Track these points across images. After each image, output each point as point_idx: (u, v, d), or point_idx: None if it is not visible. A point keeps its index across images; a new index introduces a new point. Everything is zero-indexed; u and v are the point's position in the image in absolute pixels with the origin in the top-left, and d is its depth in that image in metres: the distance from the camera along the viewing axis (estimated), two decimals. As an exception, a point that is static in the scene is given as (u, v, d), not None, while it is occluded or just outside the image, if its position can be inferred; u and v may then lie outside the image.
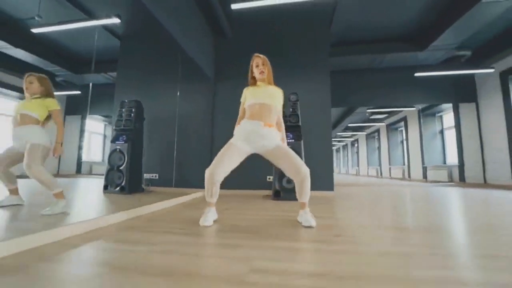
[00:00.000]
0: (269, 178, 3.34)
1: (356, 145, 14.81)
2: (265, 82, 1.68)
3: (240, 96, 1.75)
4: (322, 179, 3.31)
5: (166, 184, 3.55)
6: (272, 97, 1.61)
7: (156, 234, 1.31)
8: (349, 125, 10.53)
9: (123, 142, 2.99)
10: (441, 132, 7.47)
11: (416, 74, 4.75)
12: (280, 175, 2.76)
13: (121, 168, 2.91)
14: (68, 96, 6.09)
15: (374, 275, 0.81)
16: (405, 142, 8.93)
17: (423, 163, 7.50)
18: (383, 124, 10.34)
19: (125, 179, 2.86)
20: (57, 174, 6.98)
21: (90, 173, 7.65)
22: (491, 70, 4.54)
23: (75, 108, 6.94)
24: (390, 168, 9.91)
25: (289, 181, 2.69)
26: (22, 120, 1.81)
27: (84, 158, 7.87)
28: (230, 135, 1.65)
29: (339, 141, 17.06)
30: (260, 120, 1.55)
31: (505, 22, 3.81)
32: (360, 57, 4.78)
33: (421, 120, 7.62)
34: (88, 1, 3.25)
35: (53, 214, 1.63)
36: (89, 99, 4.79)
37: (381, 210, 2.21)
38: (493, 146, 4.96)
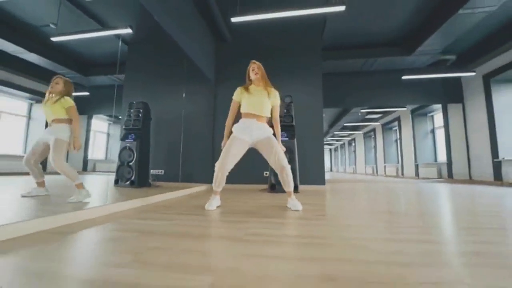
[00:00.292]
0: (266, 174, 3.63)
1: (353, 144, 15.14)
2: (260, 85, 1.92)
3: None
4: (314, 174, 3.61)
5: (171, 179, 3.84)
6: (263, 108, 1.86)
7: (171, 215, 1.60)
8: (346, 124, 10.85)
9: (132, 140, 3.27)
10: (432, 131, 7.78)
11: (403, 77, 5.05)
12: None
13: (130, 164, 3.19)
14: (76, 97, 6.38)
15: (334, 236, 1.11)
16: (398, 141, 9.25)
17: (415, 161, 7.82)
18: (378, 123, 10.65)
19: (134, 174, 3.15)
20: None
21: (94, 170, 7.96)
22: (473, 74, 4.85)
23: (81, 108, 7.23)
24: (385, 166, 10.24)
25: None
26: (56, 122, 2.10)
27: (89, 156, 8.19)
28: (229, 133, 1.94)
29: (337, 140, 17.40)
30: (253, 118, 1.86)
31: (485, 29, 4.12)
32: (352, 61, 5.08)
33: (413, 120, 7.93)
34: (99, 10, 3.52)
35: (78, 202, 1.91)
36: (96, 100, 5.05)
37: (363, 200, 2.51)
38: (477, 145, 5.28)
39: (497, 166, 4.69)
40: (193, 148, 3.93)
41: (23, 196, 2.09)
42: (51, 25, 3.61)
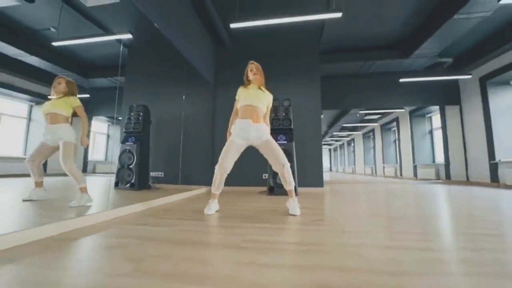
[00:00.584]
0: (265, 176, 3.65)
1: (352, 144, 15.19)
2: (256, 85, 1.99)
3: None
4: (312, 176, 3.65)
5: (170, 181, 3.87)
6: (259, 100, 1.92)
7: (170, 219, 1.63)
8: (345, 125, 10.90)
9: (132, 143, 3.30)
10: (430, 132, 7.83)
11: (401, 80, 5.09)
12: (274, 172, 3.08)
13: (130, 166, 3.22)
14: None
15: (332, 243, 1.13)
16: (397, 142, 9.30)
17: (413, 161, 7.86)
18: (377, 124, 10.70)
19: (134, 177, 3.17)
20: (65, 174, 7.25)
21: (94, 171, 8.01)
22: (469, 76, 4.90)
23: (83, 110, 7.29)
24: (384, 167, 10.29)
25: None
26: (53, 118, 2.10)
27: (89, 157, 8.24)
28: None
29: (336, 141, 17.45)
30: (249, 118, 1.89)
31: (480, 33, 4.17)
32: (350, 64, 5.12)
33: (412, 121, 7.98)
34: (100, 15, 3.54)
35: (79, 206, 1.94)
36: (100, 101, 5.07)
37: (362, 203, 2.54)
38: (474, 147, 5.32)
39: (493, 168, 4.73)
40: (193, 150, 3.96)
41: (24, 201, 2.11)
42: (52, 29, 3.63)
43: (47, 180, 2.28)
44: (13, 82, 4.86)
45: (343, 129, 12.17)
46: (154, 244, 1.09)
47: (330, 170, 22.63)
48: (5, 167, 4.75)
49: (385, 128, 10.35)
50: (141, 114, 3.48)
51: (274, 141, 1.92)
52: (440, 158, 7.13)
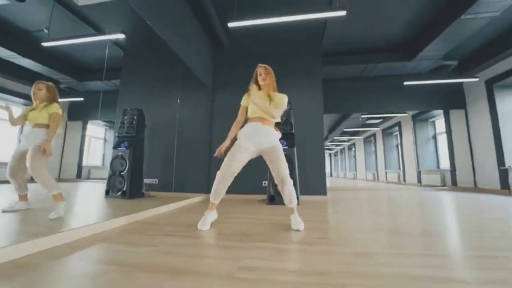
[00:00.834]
0: (264, 184, 3.47)
1: (353, 149, 15.01)
2: (266, 90, 1.78)
3: (238, 101, 1.87)
4: (315, 184, 3.46)
5: (165, 189, 3.68)
6: (269, 112, 1.71)
7: (157, 236, 1.45)
8: (346, 129, 10.74)
9: (124, 148, 3.13)
10: (434, 137, 7.66)
11: (405, 83, 4.95)
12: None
13: (122, 173, 3.04)
14: (71, 103, 6.26)
15: (340, 271, 0.95)
16: (399, 147, 9.12)
17: (417, 167, 7.67)
18: (379, 129, 10.54)
19: (126, 184, 2.99)
20: (58, 179, 7.08)
21: (88, 177, 7.74)
22: (476, 79, 4.75)
23: (76, 114, 7.13)
24: (386, 172, 10.08)
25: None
26: (36, 126, 1.97)
27: (84, 162, 8.01)
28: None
29: (336, 145, 17.27)
30: (258, 121, 1.71)
31: (487, 35, 4.03)
32: (352, 67, 4.98)
33: (415, 125, 7.82)
34: (94, 15, 3.42)
35: (59, 217, 1.76)
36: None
37: (369, 214, 2.36)
38: (481, 152, 5.14)
39: (503, 174, 4.55)
40: (189, 156, 3.78)
41: (3, 212, 1.95)
42: (45, 30, 3.50)
43: (30, 187, 2.11)
44: (4, 84, 4.73)
45: (344, 133, 12.01)
46: (133, 275, 0.91)
47: (331, 175, 22.39)
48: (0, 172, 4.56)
49: (386, 132, 10.18)
50: (135, 118, 3.32)
51: (282, 151, 1.71)
52: (444, 163, 6.94)
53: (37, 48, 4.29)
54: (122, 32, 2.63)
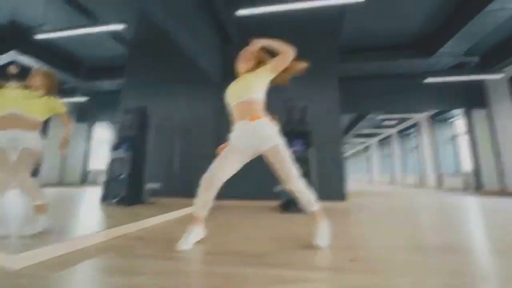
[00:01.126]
0: (277, 188, 3.16)
1: (368, 151, 14.46)
2: (244, 73, 1.59)
3: None
4: (333, 188, 3.13)
5: (170, 194, 3.41)
6: (247, 88, 1.48)
7: (136, 259, 1.13)
8: (360, 132, 10.28)
9: (124, 150, 2.89)
10: (454, 138, 7.16)
11: (426, 81, 4.64)
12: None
13: (120, 178, 2.79)
14: (74, 104, 6.10)
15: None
16: (418, 149, 8.62)
17: (437, 170, 7.18)
18: (395, 130, 10.08)
19: (124, 190, 2.73)
20: (60, 183, 6.91)
21: (95, 182, 7.46)
22: (502, 75, 4.37)
23: (81, 116, 6.90)
24: (403, 175, 9.57)
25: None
26: (15, 121, 1.58)
27: (89, 166, 7.74)
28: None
29: (351, 148, 16.71)
30: (244, 118, 1.41)
31: (509, 28, 3.65)
32: (370, 64, 4.67)
33: (434, 126, 7.35)
34: (99, 12, 3.26)
35: (34, 233, 1.40)
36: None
37: (398, 225, 2.01)
38: (509, 153, 4.67)
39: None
40: (196, 158, 3.52)
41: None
42: (46, 27, 3.37)
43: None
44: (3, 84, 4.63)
45: (358, 135, 11.54)
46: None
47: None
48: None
49: (403, 134, 9.71)
50: (137, 117, 3.08)
51: (285, 148, 1.38)
52: (466, 165, 6.42)
53: (37, 46, 4.17)
54: (122, 22, 2.41)
